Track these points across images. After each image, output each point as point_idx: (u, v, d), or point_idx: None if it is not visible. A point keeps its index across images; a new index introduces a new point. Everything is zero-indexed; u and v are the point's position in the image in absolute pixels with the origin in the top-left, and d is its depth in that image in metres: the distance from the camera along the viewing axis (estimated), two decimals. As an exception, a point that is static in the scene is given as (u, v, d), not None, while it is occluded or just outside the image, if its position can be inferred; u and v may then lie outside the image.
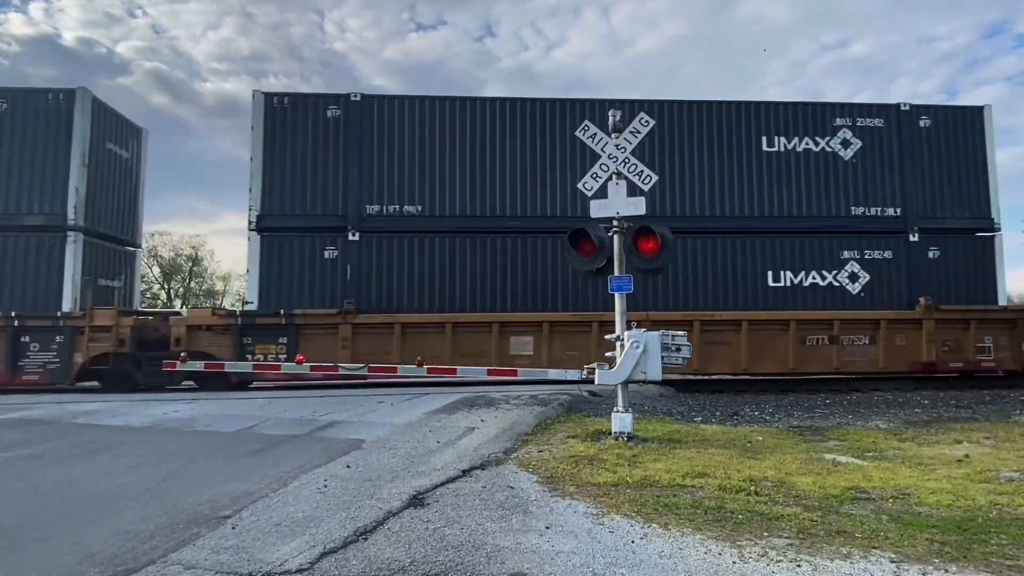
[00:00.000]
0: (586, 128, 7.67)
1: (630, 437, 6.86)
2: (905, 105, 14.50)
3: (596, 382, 7.19)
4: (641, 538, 3.79)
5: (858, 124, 14.20)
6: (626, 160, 7.44)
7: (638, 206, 7.34)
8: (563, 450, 6.39)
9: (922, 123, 14.29)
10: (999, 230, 14.32)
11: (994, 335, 13.56)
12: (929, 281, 14.03)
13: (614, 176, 7.48)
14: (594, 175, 7.53)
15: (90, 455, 6.51)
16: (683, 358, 7.13)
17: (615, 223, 7.39)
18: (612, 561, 3.42)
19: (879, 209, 14.16)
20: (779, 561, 3.41)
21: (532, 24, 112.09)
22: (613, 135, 7.56)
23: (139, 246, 17.11)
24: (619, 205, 7.40)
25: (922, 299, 13.44)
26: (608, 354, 7.33)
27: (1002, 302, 14.28)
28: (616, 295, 7.34)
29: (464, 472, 5.42)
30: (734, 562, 3.41)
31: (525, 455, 6.20)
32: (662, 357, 7.02)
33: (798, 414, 10.10)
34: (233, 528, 3.97)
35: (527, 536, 3.82)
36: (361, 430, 7.49)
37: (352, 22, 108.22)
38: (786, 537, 3.81)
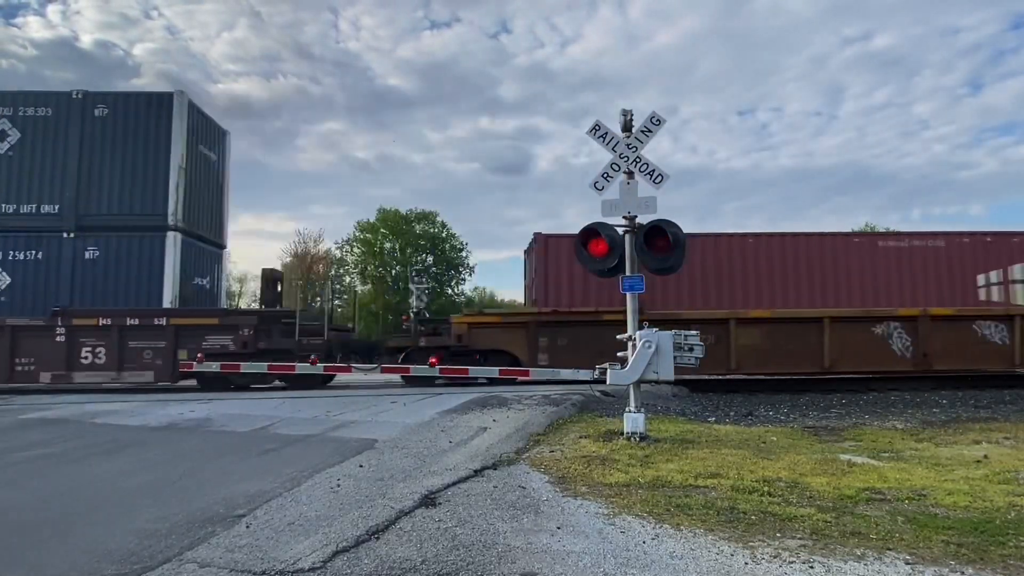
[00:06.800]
0: (597, 127, 7.63)
1: (642, 437, 6.84)
2: (78, 93, 14.10)
3: (608, 382, 7.18)
4: (653, 539, 3.78)
5: (20, 114, 13.81)
6: (637, 159, 7.41)
7: (650, 205, 7.32)
8: (575, 450, 6.39)
9: (98, 112, 13.82)
10: (175, 229, 14.12)
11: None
12: (85, 284, 13.74)
13: (625, 175, 7.46)
14: (605, 174, 7.51)
15: (108, 455, 6.61)
16: (696, 358, 7.09)
17: (626, 222, 7.38)
18: (623, 561, 3.41)
19: (33, 207, 13.84)
20: (792, 562, 3.38)
21: (547, 19, 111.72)
22: (624, 134, 7.54)
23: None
24: (630, 205, 7.38)
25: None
26: (620, 354, 7.32)
27: (167, 304, 14.01)
28: (628, 295, 7.32)
29: (476, 472, 5.43)
30: (746, 563, 3.39)
31: (537, 455, 6.20)
32: (675, 356, 6.99)
33: (813, 414, 10.01)
34: (247, 527, 4.01)
35: (538, 536, 3.82)
36: (374, 430, 7.54)
37: (366, 20, 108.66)
38: (799, 538, 3.78)
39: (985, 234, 15.21)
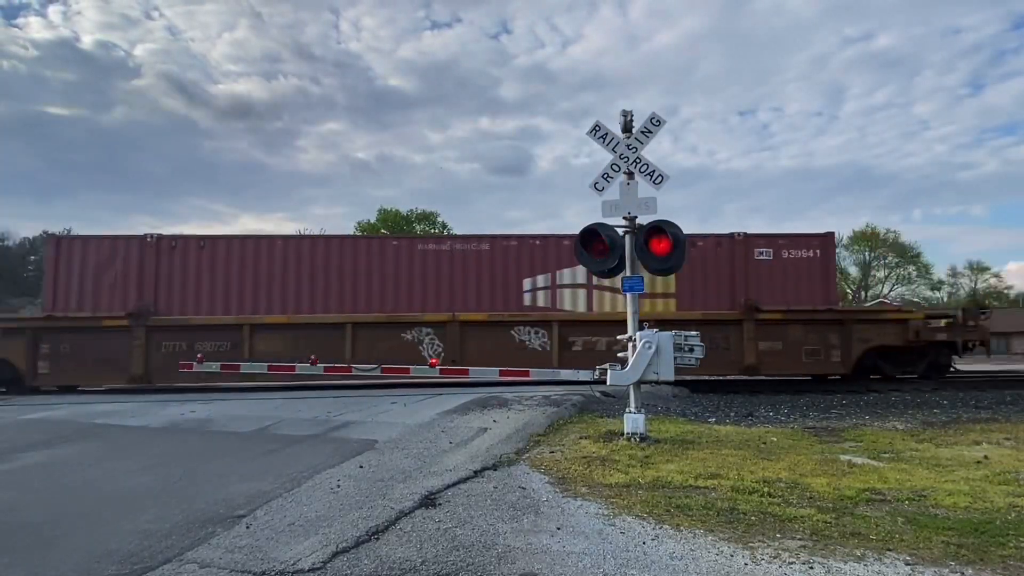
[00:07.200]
0: (597, 128, 7.63)
1: (643, 438, 6.84)
2: None
3: (608, 383, 7.18)
4: (652, 539, 3.78)
5: None
6: (637, 160, 7.41)
7: (650, 206, 7.32)
8: (575, 451, 6.39)
9: None
10: None
11: None
12: None
13: (625, 176, 7.46)
14: (605, 175, 7.51)
15: (109, 455, 6.61)
16: (696, 358, 7.10)
17: (626, 223, 7.38)
18: (623, 562, 3.42)
19: None
20: (792, 563, 3.38)
21: (548, 20, 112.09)
22: (624, 135, 7.54)
23: None
24: (630, 205, 7.38)
25: None
26: (620, 354, 7.32)
27: None
28: (628, 295, 7.32)
29: (476, 473, 5.43)
30: (746, 563, 3.39)
31: (537, 456, 6.20)
32: (675, 357, 6.99)
33: (814, 415, 10.01)
34: (248, 527, 4.02)
35: (538, 537, 3.82)
36: (374, 430, 7.54)
37: (367, 20, 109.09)
38: (799, 539, 3.78)
39: (534, 237, 14.78)
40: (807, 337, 13.89)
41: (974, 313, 14.29)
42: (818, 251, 14.52)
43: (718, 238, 14.65)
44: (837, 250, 14.34)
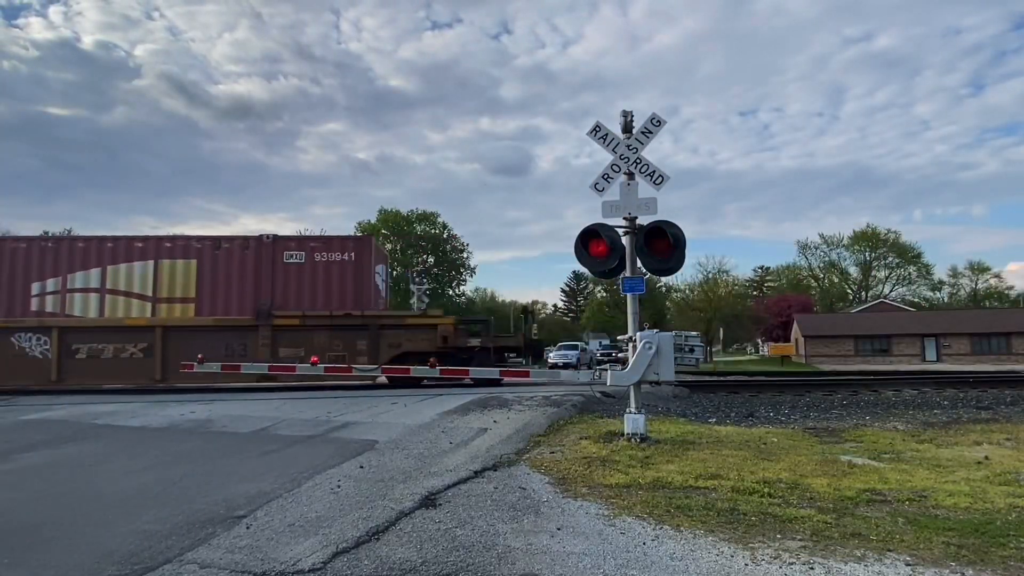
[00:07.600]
0: (598, 129, 7.63)
1: (643, 438, 6.84)
2: None
3: (608, 383, 7.17)
4: (653, 540, 3.78)
5: None
6: (638, 160, 7.41)
7: (650, 206, 7.32)
8: (575, 451, 6.39)
9: None
10: None
11: None
12: None
13: (625, 176, 7.46)
14: (606, 176, 7.51)
15: (109, 455, 6.61)
16: (696, 359, 7.10)
17: (627, 223, 7.37)
18: (623, 563, 3.41)
19: None
20: (792, 563, 3.38)
21: (548, 20, 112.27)
22: (624, 135, 7.54)
23: None
24: (631, 206, 7.38)
25: None
26: (621, 354, 7.31)
27: None
28: (628, 296, 7.31)
29: (476, 473, 5.43)
30: (746, 564, 3.38)
31: (537, 456, 6.20)
32: (675, 358, 6.99)
33: (814, 415, 10.00)
34: (248, 528, 4.02)
35: (538, 537, 3.82)
36: (375, 431, 7.54)
37: (368, 21, 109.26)
38: (800, 539, 3.78)
39: (45, 239, 14.46)
40: (332, 343, 13.65)
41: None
42: (353, 254, 14.24)
43: (245, 240, 14.28)
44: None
